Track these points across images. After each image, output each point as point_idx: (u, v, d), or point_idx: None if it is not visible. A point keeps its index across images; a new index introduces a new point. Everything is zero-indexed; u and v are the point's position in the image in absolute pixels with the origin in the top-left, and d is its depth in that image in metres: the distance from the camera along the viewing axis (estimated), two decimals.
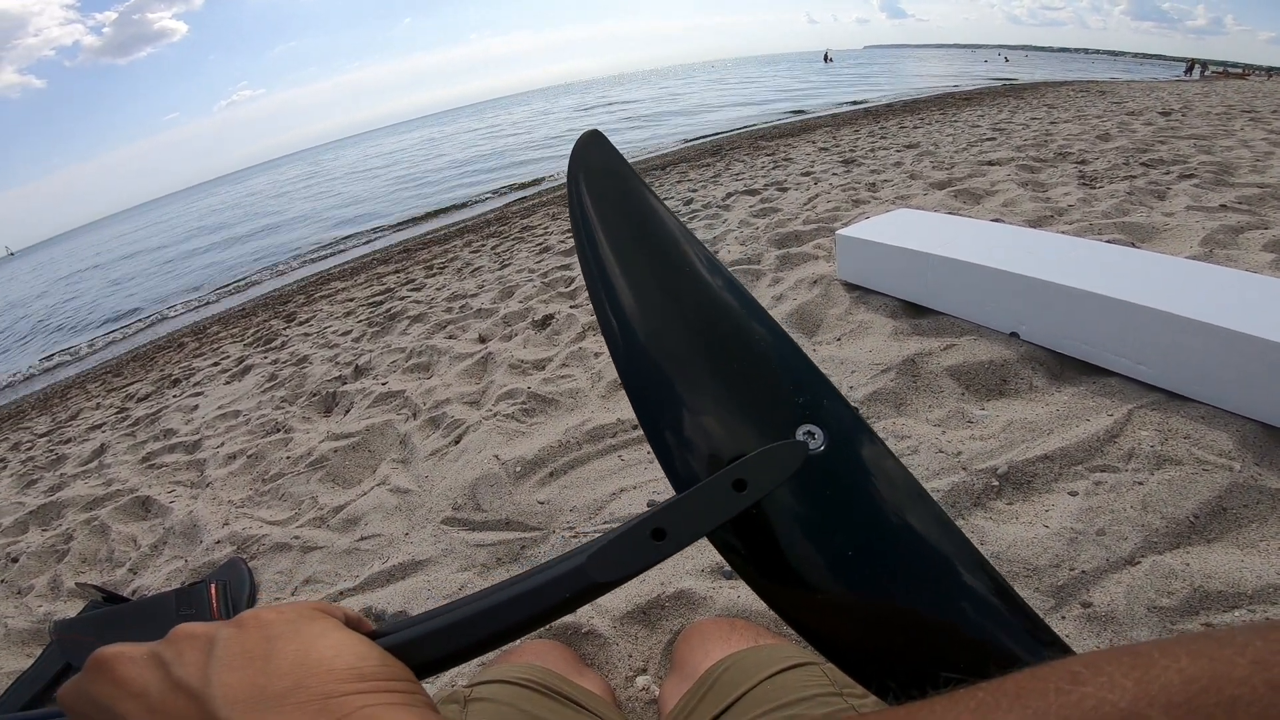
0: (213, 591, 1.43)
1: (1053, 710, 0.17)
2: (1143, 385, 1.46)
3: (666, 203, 0.51)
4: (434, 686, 1.13)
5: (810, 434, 0.37)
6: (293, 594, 1.49)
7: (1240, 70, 33.50)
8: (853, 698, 0.58)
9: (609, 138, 0.51)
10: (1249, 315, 1.30)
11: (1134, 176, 3.51)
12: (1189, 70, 26.07)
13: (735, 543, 0.35)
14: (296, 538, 1.68)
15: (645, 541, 0.31)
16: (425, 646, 0.31)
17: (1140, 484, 1.18)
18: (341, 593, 1.44)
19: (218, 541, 1.74)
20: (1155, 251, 2.22)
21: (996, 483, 1.29)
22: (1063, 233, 2.52)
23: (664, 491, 1.50)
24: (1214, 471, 1.16)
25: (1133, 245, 2.37)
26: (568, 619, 1.17)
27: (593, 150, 0.49)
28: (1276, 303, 1.35)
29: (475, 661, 1.17)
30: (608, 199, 0.47)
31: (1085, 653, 0.20)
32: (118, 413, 4.00)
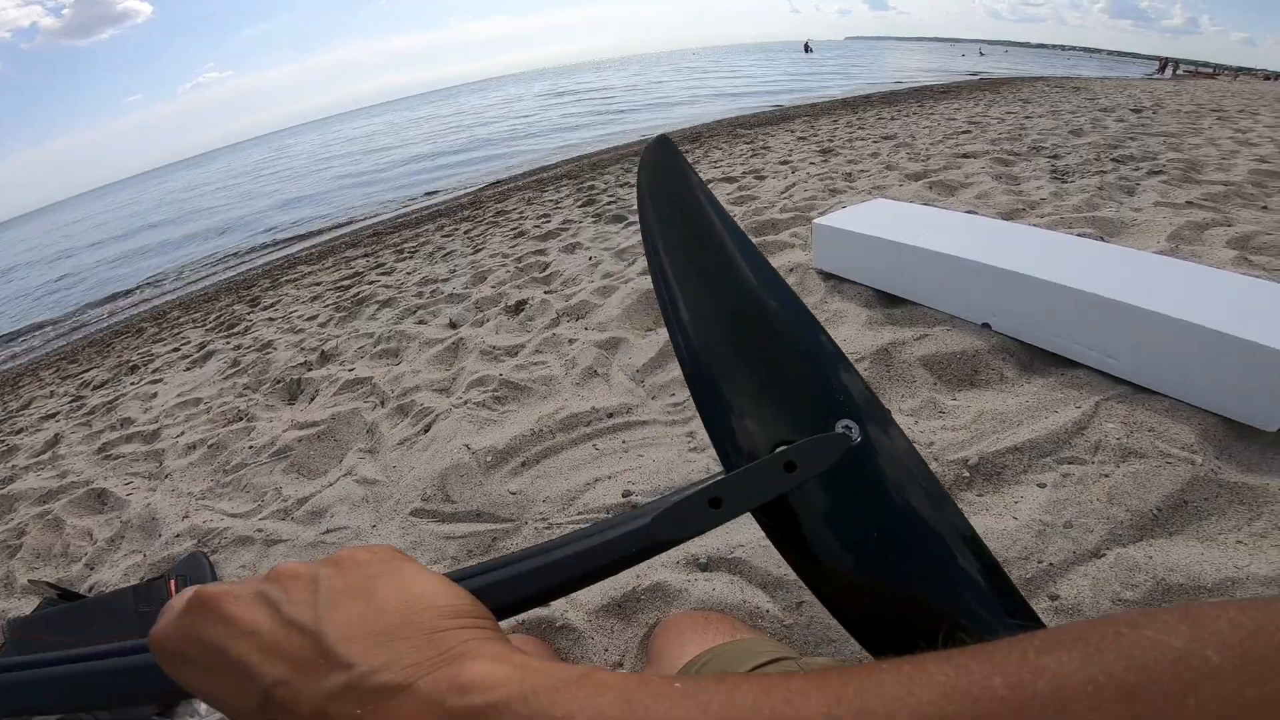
0: (172, 587, 1.37)
1: (1112, 648, 0.18)
2: (1110, 378, 1.48)
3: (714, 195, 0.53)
4: None
5: (848, 427, 0.41)
6: None
7: (1210, 70, 34.45)
8: None
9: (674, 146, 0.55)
10: (1212, 310, 1.32)
11: (1105, 172, 3.57)
12: (1161, 69, 26.65)
13: (773, 523, 0.39)
14: (260, 530, 1.62)
15: (703, 508, 0.34)
16: (501, 591, 0.32)
17: (1106, 476, 1.19)
18: None
19: (177, 535, 1.67)
20: (1124, 246, 2.26)
21: (967, 474, 1.30)
22: (1035, 225, 2.55)
23: (639, 482, 1.49)
24: (1176, 465, 1.18)
25: (1102, 239, 2.41)
26: (542, 612, 1.16)
27: (659, 157, 0.53)
28: (1238, 299, 1.38)
29: None
30: (672, 206, 0.51)
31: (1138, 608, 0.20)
32: (73, 401, 3.84)
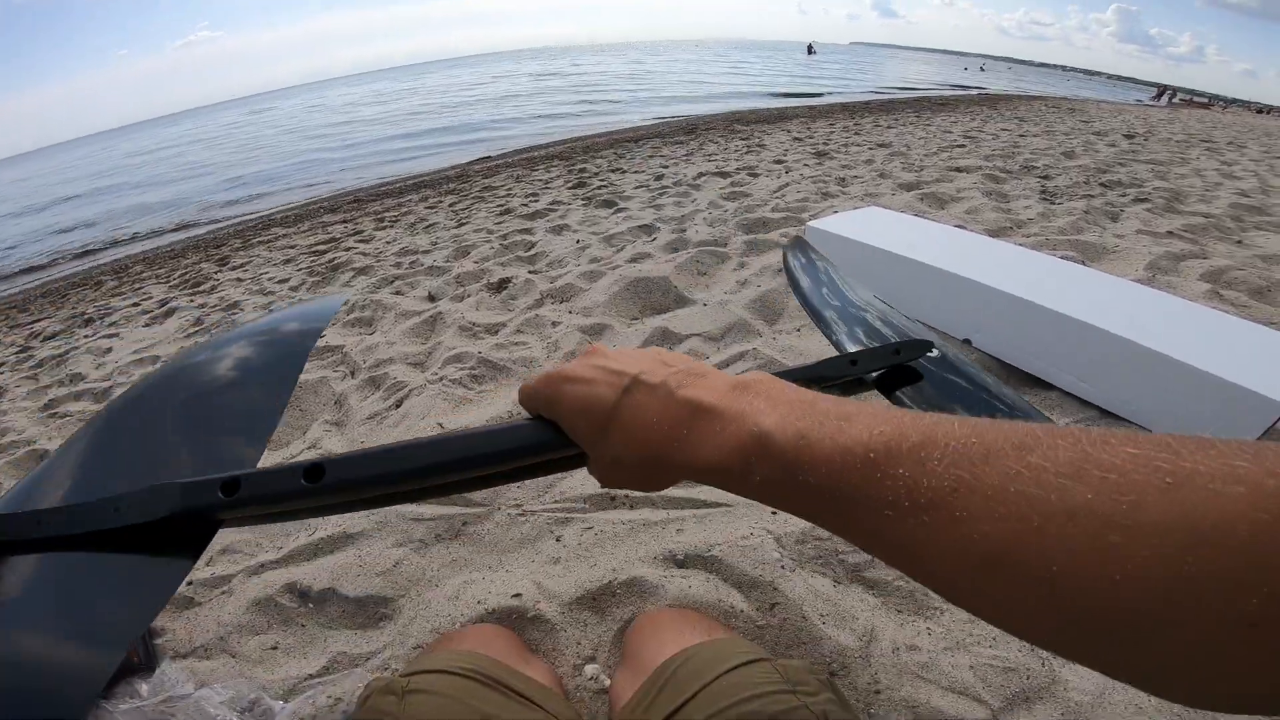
0: None
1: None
2: (1080, 402, 1.50)
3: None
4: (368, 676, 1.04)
5: (939, 349, 0.57)
6: (208, 564, 1.35)
7: (1205, 100, 35.41)
8: (805, 695, 0.59)
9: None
10: (1178, 341, 1.35)
11: (1092, 196, 3.61)
12: (1158, 96, 27.09)
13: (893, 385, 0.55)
14: None
15: (846, 365, 0.52)
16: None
17: None
18: (263, 564, 1.31)
19: None
20: (1102, 272, 2.28)
21: None
22: (1020, 244, 2.56)
23: None
24: None
25: (1083, 263, 2.43)
26: (513, 602, 1.11)
27: (799, 249, 0.86)
28: (1203, 332, 1.42)
29: (410, 645, 1.08)
30: (808, 281, 0.81)
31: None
32: (19, 352, 3.64)
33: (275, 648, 1.13)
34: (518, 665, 0.75)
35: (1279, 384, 1.22)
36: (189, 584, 1.28)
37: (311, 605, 1.20)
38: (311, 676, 1.06)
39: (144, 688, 1.00)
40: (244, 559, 1.35)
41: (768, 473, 0.32)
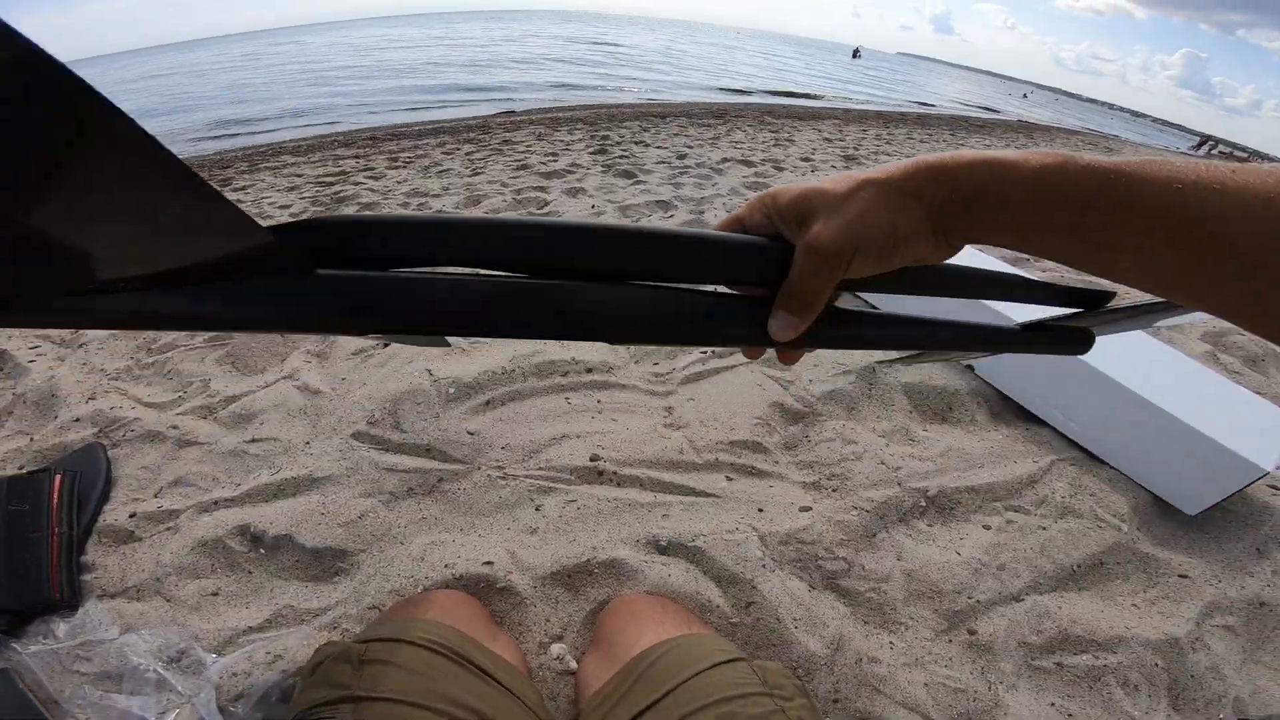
0: (56, 484, 1.16)
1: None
2: (1068, 441, 1.54)
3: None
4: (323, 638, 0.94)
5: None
6: (155, 495, 1.25)
7: (1244, 156, 35.17)
8: (781, 699, 0.58)
9: None
10: (1168, 393, 1.40)
11: None
12: (1198, 145, 26.68)
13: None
14: (175, 427, 1.42)
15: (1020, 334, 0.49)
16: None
17: (1044, 529, 1.26)
18: (217, 501, 1.22)
19: (77, 419, 1.43)
20: None
21: (924, 503, 1.31)
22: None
23: (609, 449, 1.38)
24: (1105, 529, 1.26)
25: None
26: (483, 569, 1.05)
27: None
28: (1194, 388, 1.47)
29: (365, 605, 0.99)
30: None
31: None
32: None
33: (216, 594, 1.04)
34: (484, 639, 0.72)
35: (1260, 449, 1.27)
36: (131, 516, 1.17)
37: (263, 551, 1.11)
38: (252, 629, 0.97)
39: (61, 628, 0.91)
40: (197, 493, 1.25)
41: (1075, 173, 0.32)
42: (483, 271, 0.32)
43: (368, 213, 0.32)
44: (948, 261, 0.41)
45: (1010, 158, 0.33)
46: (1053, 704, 0.95)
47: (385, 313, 0.30)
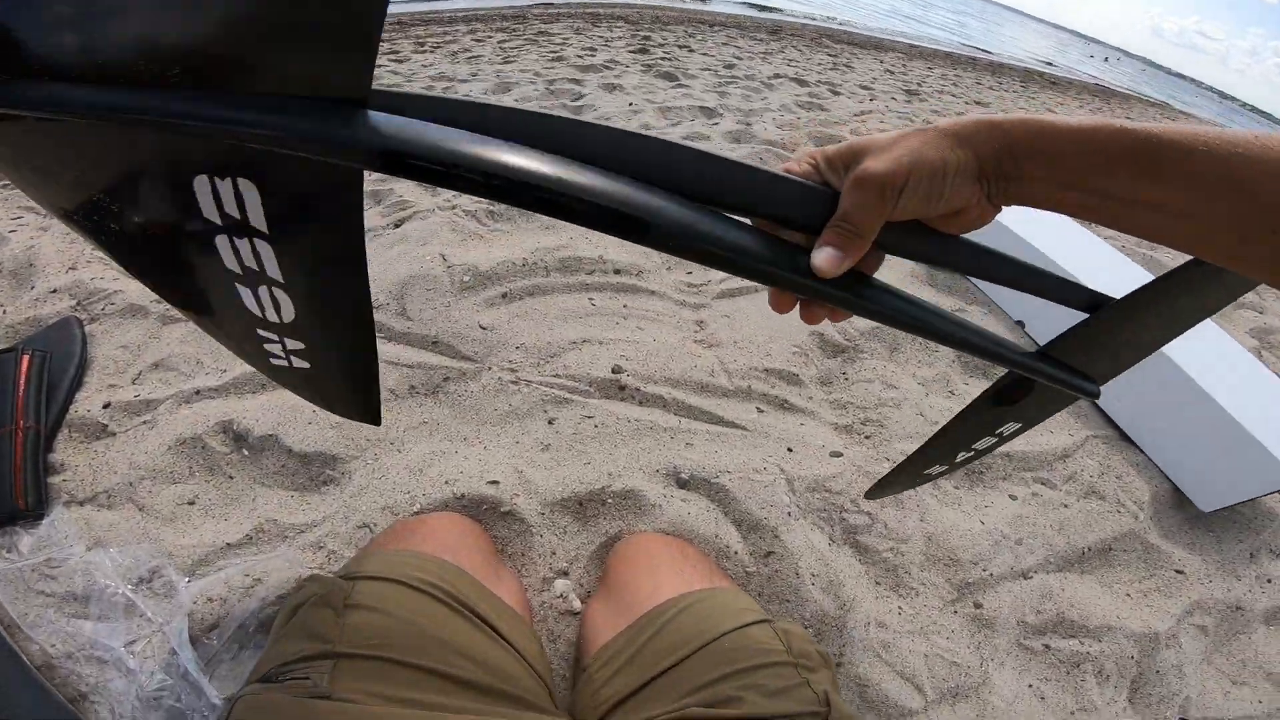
0: (24, 364, 1.01)
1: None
2: (1104, 416, 1.47)
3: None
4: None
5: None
6: (133, 381, 1.11)
7: None
8: (805, 670, 0.56)
9: None
10: (1220, 384, 1.33)
11: None
12: None
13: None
14: (159, 302, 1.28)
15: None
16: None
17: (1066, 506, 1.21)
18: (198, 391, 1.09)
19: (54, 290, 1.28)
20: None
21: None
22: (1095, 240, 2.25)
23: (634, 360, 1.26)
24: (1123, 515, 1.21)
25: (1149, 276, 2.06)
26: (488, 490, 0.95)
27: None
28: (1248, 382, 1.40)
29: (354, 523, 0.87)
30: None
31: None
32: None
33: (192, 503, 0.92)
34: (485, 578, 0.65)
35: None
36: (105, 406, 1.04)
37: (246, 453, 0.99)
38: (230, 546, 0.87)
39: (25, 541, 0.82)
40: (179, 379, 1.12)
41: (1114, 132, 0.32)
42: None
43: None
44: (967, 238, 0.40)
45: (1056, 119, 0.34)
46: (1030, 685, 0.94)
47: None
